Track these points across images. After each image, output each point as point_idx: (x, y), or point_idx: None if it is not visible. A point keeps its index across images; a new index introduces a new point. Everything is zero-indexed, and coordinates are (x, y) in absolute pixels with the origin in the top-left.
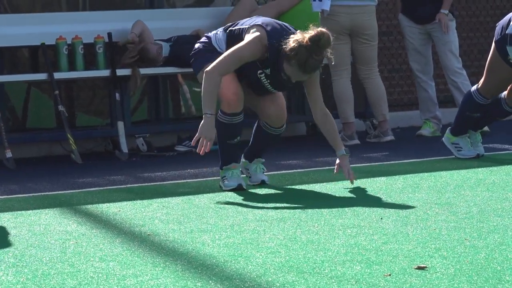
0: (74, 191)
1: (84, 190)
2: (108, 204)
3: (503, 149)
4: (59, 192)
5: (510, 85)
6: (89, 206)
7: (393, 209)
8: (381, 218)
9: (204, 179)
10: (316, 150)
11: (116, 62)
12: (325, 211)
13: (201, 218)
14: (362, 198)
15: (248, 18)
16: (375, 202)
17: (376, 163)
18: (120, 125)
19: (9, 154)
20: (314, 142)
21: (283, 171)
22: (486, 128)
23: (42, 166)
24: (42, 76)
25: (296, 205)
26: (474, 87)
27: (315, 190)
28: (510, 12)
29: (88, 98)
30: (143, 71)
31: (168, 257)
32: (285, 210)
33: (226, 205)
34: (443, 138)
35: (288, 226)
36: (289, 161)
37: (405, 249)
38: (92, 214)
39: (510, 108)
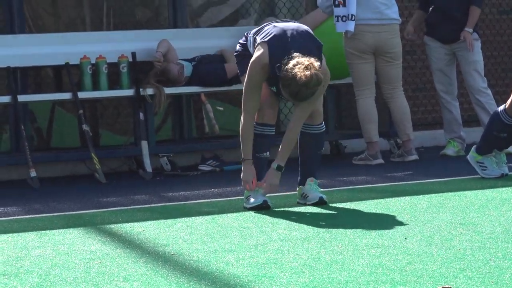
0: (98, 210)
1: (108, 209)
2: (132, 224)
3: None
4: (83, 211)
5: None
6: (113, 226)
7: (417, 229)
8: (406, 238)
9: (228, 198)
10: (340, 170)
11: (140, 82)
12: (349, 231)
13: (225, 237)
14: (386, 218)
15: (271, 26)
16: (399, 222)
17: (400, 183)
18: (144, 144)
19: (33, 173)
20: (338, 161)
21: None
22: (510, 149)
23: (66, 185)
24: (66, 95)
25: (320, 225)
26: (502, 107)
27: (339, 209)
28: None
29: (112, 117)
30: (167, 90)
31: (192, 277)
32: (309, 229)
33: (250, 225)
34: (468, 156)
35: (312, 246)
36: None
37: (429, 269)
38: (116, 234)
39: None
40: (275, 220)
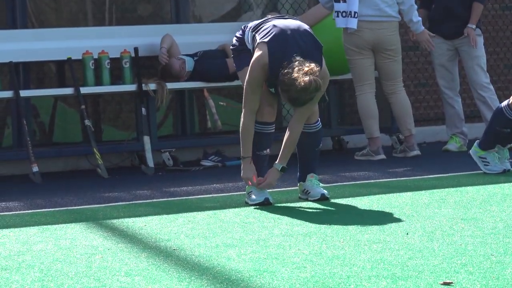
0: (100, 205)
1: (110, 204)
2: (133, 219)
3: None
4: (85, 206)
5: None
6: (114, 221)
7: (419, 224)
8: (407, 233)
9: (230, 193)
10: (342, 165)
11: (142, 77)
12: (350, 226)
13: (227, 232)
14: (388, 213)
15: (271, 25)
16: (401, 217)
17: (402, 178)
18: (146, 139)
19: (35, 168)
20: (340, 157)
21: None
22: None
23: (68, 180)
24: (68, 90)
25: (321, 220)
26: (505, 103)
27: (341, 204)
28: None
29: (114, 113)
30: (169, 85)
31: (194, 271)
32: (310, 225)
33: (252, 220)
34: (470, 151)
35: (313, 241)
36: None
37: (430, 264)
38: (117, 229)
39: None
40: (277, 215)
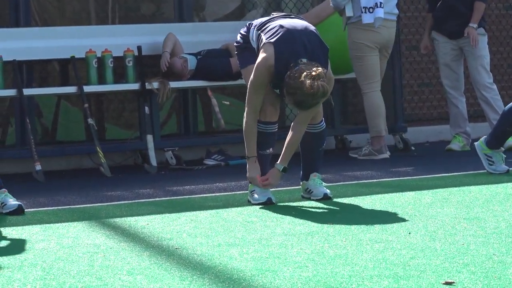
0: (102, 204)
1: (112, 203)
2: (136, 218)
3: None
4: (88, 205)
5: None
6: (117, 220)
7: (421, 224)
8: (409, 233)
9: (233, 192)
10: (345, 164)
11: (145, 76)
12: (353, 225)
13: (229, 232)
14: (390, 213)
15: (277, 24)
16: (403, 216)
17: (405, 178)
18: (149, 138)
19: (38, 166)
20: (343, 156)
21: None
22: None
23: (71, 179)
24: (71, 89)
25: (324, 219)
26: None
27: (344, 204)
28: None
29: (118, 111)
30: (173, 84)
31: (196, 270)
32: (313, 224)
33: (254, 219)
34: (475, 144)
35: (315, 240)
36: None
37: (433, 264)
38: (120, 228)
39: None
40: (279, 214)
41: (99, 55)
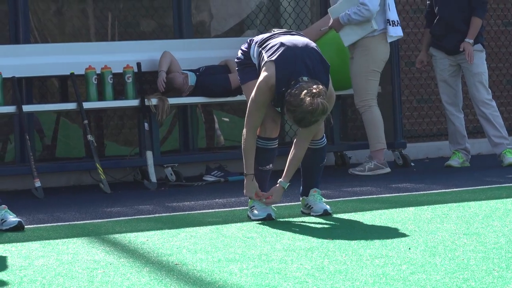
0: (102, 220)
1: (112, 219)
2: (136, 234)
3: None
4: (88, 221)
5: None
6: (117, 236)
7: (421, 239)
8: (409, 248)
9: (232, 208)
10: (345, 180)
11: (145, 92)
12: (353, 241)
13: (229, 247)
14: (390, 228)
15: (278, 42)
16: (403, 232)
17: (405, 194)
18: (149, 154)
19: (38, 183)
20: (343, 172)
21: None
22: None
23: (71, 195)
24: (71, 105)
25: (324, 235)
26: None
27: (344, 219)
28: None
29: (117, 128)
30: (172, 101)
31: (196, 286)
32: (313, 239)
33: (254, 235)
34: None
35: (315, 256)
36: None
37: (433, 279)
38: (120, 244)
39: None
40: (279, 230)
41: (98, 71)
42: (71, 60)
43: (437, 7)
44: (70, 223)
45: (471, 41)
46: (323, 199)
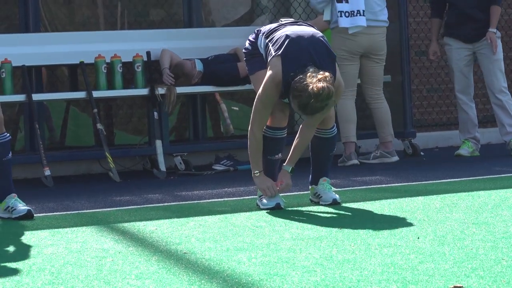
0: (111, 209)
1: (121, 208)
2: (145, 222)
3: None
4: (97, 210)
5: None
6: (126, 224)
7: (430, 229)
8: (418, 238)
9: (241, 197)
10: (354, 169)
11: (154, 81)
12: (361, 230)
13: (238, 236)
14: (399, 218)
15: (284, 34)
16: (412, 221)
17: (414, 183)
18: (158, 143)
19: (47, 172)
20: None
21: None
22: None
23: (80, 184)
24: (81, 94)
25: (332, 224)
26: None
27: (352, 209)
28: None
29: (127, 117)
30: (181, 90)
31: (204, 275)
32: (321, 229)
33: (263, 224)
34: None
35: (324, 245)
36: None
37: (441, 268)
38: (128, 232)
39: None
40: (288, 219)
41: (108, 60)
42: (81, 49)
43: None
44: (79, 211)
45: (495, 30)
46: (332, 188)
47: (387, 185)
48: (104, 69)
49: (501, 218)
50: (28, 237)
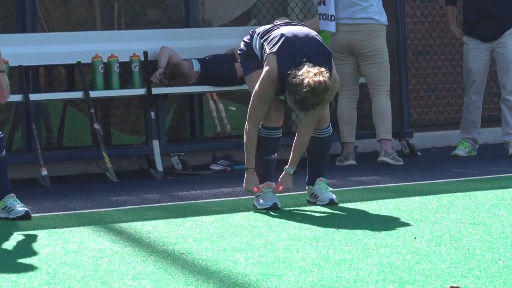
0: (108, 209)
1: (118, 208)
2: (142, 222)
3: None
4: (94, 210)
5: None
6: (123, 224)
7: (427, 229)
8: (415, 238)
9: (238, 198)
10: (351, 169)
11: (151, 81)
12: (358, 230)
13: (234, 236)
14: (396, 218)
15: (279, 34)
16: (409, 221)
17: (411, 183)
18: (155, 143)
19: (44, 172)
20: None
21: None
22: None
23: (77, 184)
24: (78, 94)
25: (329, 224)
26: None
27: (349, 209)
28: None
29: (124, 117)
30: (179, 89)
31: (201, 275)
32: (318, 229)
33: (260, 224)
34: None
35: (321, 245)
36: None
37: (438, 268)
38: (125, 232)
39: None
40: (285, 219)
41: (105, 60)
42: (78, 49)
43: None
44: (76, 212)
45: None
46: (329, 188)
47: (384, 185)
48: (101, 69)
49: (498, 218)
50: (25, 237)
